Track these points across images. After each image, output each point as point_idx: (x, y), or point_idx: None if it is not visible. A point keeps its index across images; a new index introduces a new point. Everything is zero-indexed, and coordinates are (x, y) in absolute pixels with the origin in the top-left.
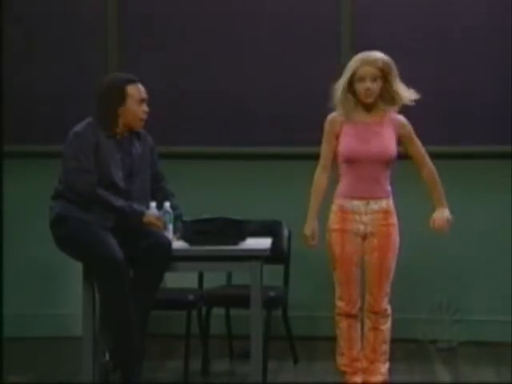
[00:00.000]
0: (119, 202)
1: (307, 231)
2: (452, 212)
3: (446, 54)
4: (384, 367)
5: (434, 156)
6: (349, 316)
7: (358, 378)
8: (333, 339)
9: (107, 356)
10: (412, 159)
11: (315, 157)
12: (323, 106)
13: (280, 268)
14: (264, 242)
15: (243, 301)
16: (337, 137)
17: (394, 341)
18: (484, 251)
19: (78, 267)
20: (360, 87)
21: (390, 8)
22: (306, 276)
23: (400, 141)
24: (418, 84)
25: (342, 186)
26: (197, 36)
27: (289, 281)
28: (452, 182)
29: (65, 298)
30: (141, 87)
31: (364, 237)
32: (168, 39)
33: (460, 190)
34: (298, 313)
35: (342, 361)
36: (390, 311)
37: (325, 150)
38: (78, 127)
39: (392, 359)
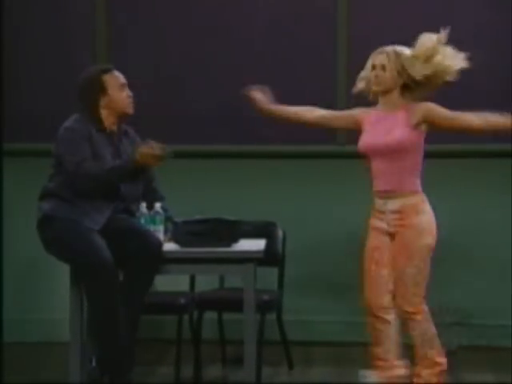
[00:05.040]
0: (112, 164)
1: None
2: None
3: None
4: (425, 372)
5: (434, 155)
6: (374, 317)
7: (375, 376)
8: (329, 344)
9: (93, 362)
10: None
11: (312, 156)
12: (322, 106)
13: (274, 270)
14: (258, 244)
15: (236, 304)
16: (356, 122)
17: None
18: (484, 252)
19: (65, 270)
20: (371, 75)
21: (387, 5)
22: (300, 279)
23: (429, 126)
24: None
25: None
26: (189, 34)
27: (283, 284)
28: (452, 181)
29: (52, 303)
30: (118, 74)
31: (391, 236)
32: (157, 37)
33: (460, 189)
34: (293, 317)
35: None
36: (418, 317)
37: (339, 112)
38: (68, 123)
39: None
